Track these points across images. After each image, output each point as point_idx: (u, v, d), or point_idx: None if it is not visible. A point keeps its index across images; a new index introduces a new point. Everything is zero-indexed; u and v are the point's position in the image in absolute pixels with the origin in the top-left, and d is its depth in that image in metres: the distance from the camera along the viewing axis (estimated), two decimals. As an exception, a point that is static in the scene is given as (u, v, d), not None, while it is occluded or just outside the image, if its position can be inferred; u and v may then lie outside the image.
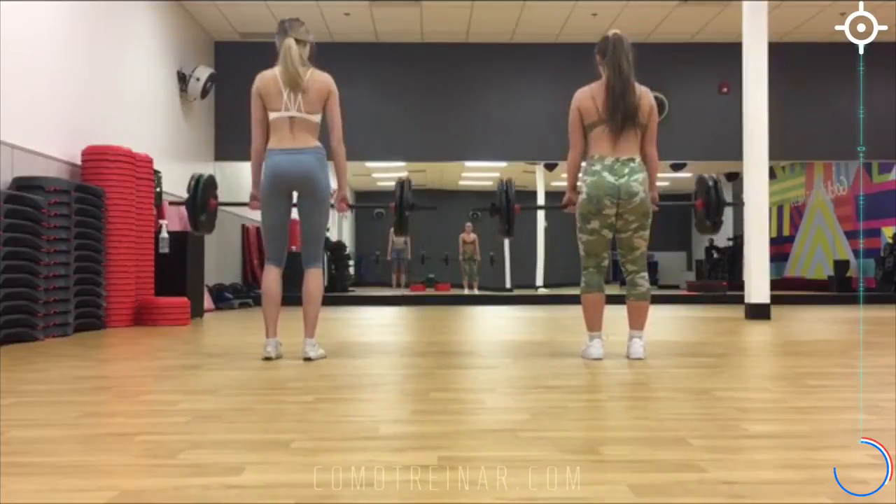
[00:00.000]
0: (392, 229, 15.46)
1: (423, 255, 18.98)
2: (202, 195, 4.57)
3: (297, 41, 4.09)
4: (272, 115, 4.09)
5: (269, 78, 4.10)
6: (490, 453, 2.03)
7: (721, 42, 11.02)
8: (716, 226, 4.39)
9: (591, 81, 4.17)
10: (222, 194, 11.45)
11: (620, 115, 4.01)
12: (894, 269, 13.01)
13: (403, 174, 18.38)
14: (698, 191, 4.55)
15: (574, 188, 4.27)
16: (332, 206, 4.38)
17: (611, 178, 4.02)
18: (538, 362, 4.08)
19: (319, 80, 4.12)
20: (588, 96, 4.12)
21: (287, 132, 4.06)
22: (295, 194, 4.17)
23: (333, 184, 4.35)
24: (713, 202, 4.34)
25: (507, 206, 4.29)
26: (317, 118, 4.10)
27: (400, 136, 11.57)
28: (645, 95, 4.11)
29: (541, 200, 17.51)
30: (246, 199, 4.39)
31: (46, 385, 3.32)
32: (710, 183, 4.36)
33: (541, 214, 15.62)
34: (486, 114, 11.58)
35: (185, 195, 4.93)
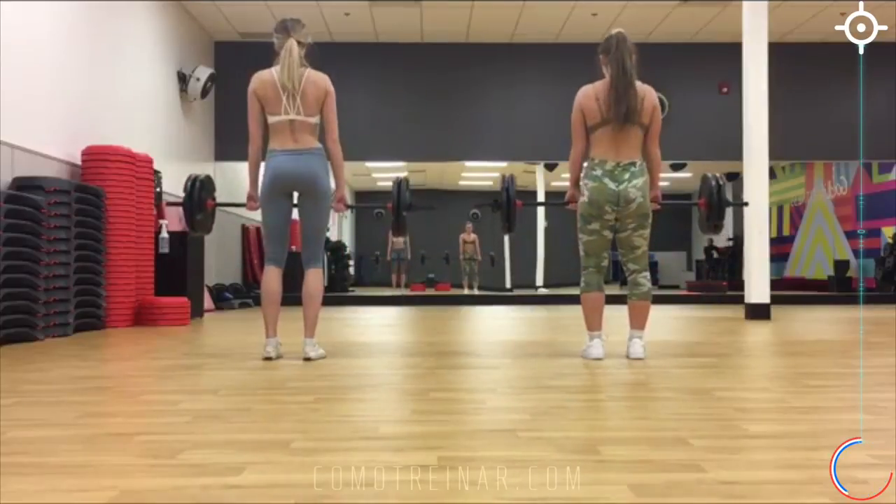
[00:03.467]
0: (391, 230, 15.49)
1: (423, 256, 18.99)
2: (199, 195, 4.56)
3: (299, 43, 4.09)
4: (272, 119, 4.09)
5: (266, 80, 4.09)
6: (490, 453, 2.03)
7: (721, 42, 11.01)
8: (717, 227, 4.39)
9: (590, 80, 4.18)
10: (222, 195, 11.45)
11: (623, 110, 4.01)
12: (894, 269, 13.01)
13: (402, 174, 18.40)
14: (702, 189, 4.54)
15: (576, 184, 4.26)
16: (332, 207, 4.38)
17: (612, 186, 4.03)
18: (538, 362, 4.08)
19: (316, 80, 4.11)
20: (591, 96, 4.11)
21: (288, 135, 4.07)
22: (295, 194, 4.17)
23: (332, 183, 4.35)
24: (715, 202, 4.33)
25: (508, 202, 4.29)
26: (315, 119, 4.11)
27: (400, 136, 11.57)
28: (648, 94, 4.11)
29: (541, 200, 17.51)
30: (244, 199, 4.38)
31: (46, 385, 3.32)
32: (714, 183, 4.35)
33: (541, 214, 15.61)
34: (486, 114, 11.58)
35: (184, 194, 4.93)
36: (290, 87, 4.03)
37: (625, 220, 4.08)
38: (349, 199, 22.34)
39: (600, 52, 4.16)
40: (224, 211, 10.88)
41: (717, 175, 4.46)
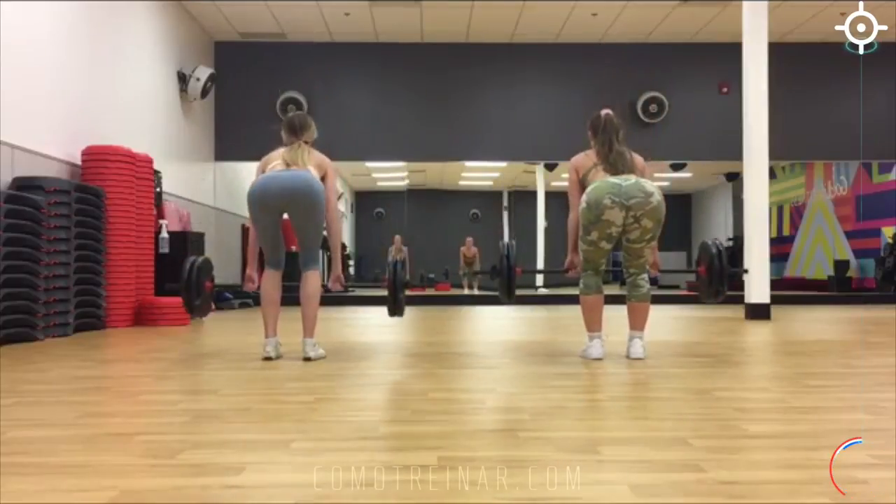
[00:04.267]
0: (391, 246, 15.44)
1: (423, 276, 18.96)
2: (197, 279, 4.46)
3: (305, 142, 4.14)
4: (270, 165, 4.11)
5: (273, 155, 4.15)
6: (490, 453, 2.03)
7: (721, 42, 11.01)
8: (719, 293, 4.38)
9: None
10: (222, 195, 11.40)
11: (612, 162, 4.08)
12: (894, 269, 13.01)
13: (402, 174, 18.37)
14: (701, 257, 4.53)
15: (575, 249, 4.27)
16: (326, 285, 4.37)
17: (614, 179, 4.01)
18: (538, 362, 4.08)
19: (318, 157, 4.17)
20: (583, 155, 4.23)
21: (282, 168, 4.08)
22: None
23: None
24: (716, 269, 4.33)
25: (508, 270, 4.26)
26: (315, 173, 4.09)
27: (400, 136, 11.57)
28: (637, 159, 4.18)
29: (541, 200, 17.51)
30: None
31: (46, 385, 3.32)
32: (714, 250, 4.34)
33: (541, 215, 15.64)
34: (486, 114, 11.58)
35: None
36: (295, 161, 4.06)
37: (645, 226, 3.99)
38: (348, 200, 22.36)
39: (588, 129, 4.25)
40: (224, 211, 10.90)
41: (718, 242, 4.44)
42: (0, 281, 4.99)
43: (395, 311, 4.34)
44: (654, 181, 4.12)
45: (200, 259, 4.59)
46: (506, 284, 4.26)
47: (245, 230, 11.54)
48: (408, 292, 4.59)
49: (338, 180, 3.89)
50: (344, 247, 15.84)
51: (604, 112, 4.24)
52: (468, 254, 16.10)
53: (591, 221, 4.03)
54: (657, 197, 3.98)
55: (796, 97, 11.27)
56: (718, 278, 4.31)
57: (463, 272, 15.66)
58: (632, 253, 4.15)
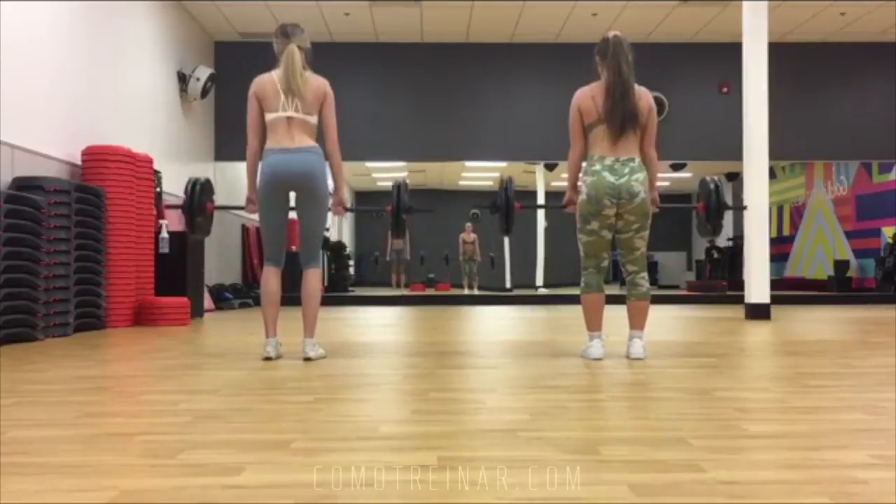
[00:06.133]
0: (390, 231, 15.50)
1: (423, 256, 18.99)
2: (199, 198, 4.57)
3: (299, 48, 4.09)
4: (269, 116, 4.08)
5: (266, 80, 4.11)
6: (490, 453, 2.03)
7: (721, 42, 11.02)
8: (716, 229, 4.40)
9: (590, 80, 4.19)
10: (222, 195, 11.43)
11: (620, 117, 4.02)
12: (894, 269, 13.01)
13: (402, 174, 18.38)
14: (700, 193, 4.55)
15: (575, 187, 4.28)
16: (331, 209, 4.38)
17: (611, 178, 4.03)
18: (538, 362, 4.08)
19: (315, 83, 4.12)
20: (588, 96, 4.12)
21: (285, 132, 4.06)
22: (293, 195, 4.16)
23: (331, 184, 4.34)
24: (714, 205, 4.34)
25: (506, 204, 4.30)
26: (314, 119, 4.11)
27: (400, 136, 11.58)
28: (644, 96, 4.11)
29: (541, 200, 17.52)
30: (244, 199, 4.37)
31: (46, 385, 3.32)
32: (712, 186, 4.35)
33: (541, 214, 15.60)
34: (486, 114, 11.59)
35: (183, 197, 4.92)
36: (291, 86, 4.03)
37: (627, 220, 4.07)
38: (348, 201, 22.35)
39: (596, 54, 4.17)
40: (224, 211, 10.89)
41: (716, 178, 4.47)
42: (0, 281, 4.99)
43: (398, 233, 4.68)
44: (652, 103, 4.11)
45: (202, 179, 4.74)
46: (504, 217, 4.33)
47: (245, 230, 11.54)
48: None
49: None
50: (344, 247, 15.82)
51: (612, 33, 4.13)
52: (468, 239, 16.13)
53: (592, 213, 4.08)
54: (641, 196, 4.05)
55: (796, 97, 11.27)
56: (716, 213, 4.33)
57: (463, 258, 15.70)
58: (625, 245, 4.15)
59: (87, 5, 6.91)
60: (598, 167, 4.07)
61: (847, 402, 2.86)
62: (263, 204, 4.15)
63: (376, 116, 11.33)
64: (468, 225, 16.31)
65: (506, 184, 4.35)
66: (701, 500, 1.59)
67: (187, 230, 4.75)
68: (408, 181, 4.64)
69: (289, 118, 4.05)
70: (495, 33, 11.10)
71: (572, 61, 11.73)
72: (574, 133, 4.18)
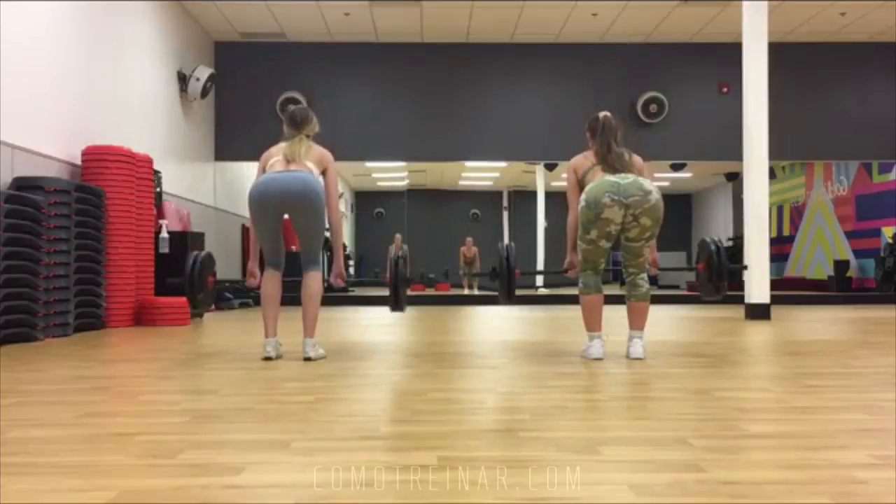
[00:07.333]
0: (392, 245, 15.45)
1: (422, 274, 18.96)
2: (199, 275, 4.48)
3: (307, 136, 4.15)
4: (270, 162, 4.10)
5: (273, 150, 4.17)
6: (490, 453, 2.03)
7: (721, 42, 11.02)
8: (719, 290, 4.40)
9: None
10: (221, 195, 11.39)
11: (614, 159, 4.10)
12: (894, 269, 13.01)
13: (402, 174, 18.32)
14: (700, 254, 4.55)
15: (574, 249, 4.27)
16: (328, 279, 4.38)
17: (612, 178, 4.01)
18: (538, 362, 4.08)
19: (318, 151, 4.17)
20: (581, 156, 4.25)
21: (282, 165, 4.08)
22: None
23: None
24: (715, 266, 4.35)
25: (508, 272, 4.27)
26: (314, 169, 4.10)
27: (400, 136, 11.57)
28: (636, 159, 4.19)
29: (541, 200, 17.52)
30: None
31: (46, 385, 3.32)
32: (713, 247, 4.35)
33: (541, 215, 15.63)
34: (486, 114, 11.59)
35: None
36: (294, 158, 4.07)
37: (644, 224, 3.99)
38: (348, 200, 22.32)
39: (587, 130, 4.27)
40: (224, 211, 10.90)
41: (716, 238, 4.47)
42: (0, 281, 4.99)
43: (397, 306, 4.34)
44: (653, 181, 4.13)
45: (203, 254, 4.63)
46: (506, 286, 4.27)
47: (245, 230, 11.54)
48: (408, 291, 4.59)
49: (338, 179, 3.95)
50: (344, 246, 15.83)
51: (602, 114, 4.25)
52: (468, 254, 16.10)
53: (591, 220, 4.03)
54: (655, 195, 3.99)
55: (796, 97, 11.27)
56: (718, 274, 4.32)
57: (463, 272, 15.67)
58: (631, 252, 4.15)
59: (87, 6, 6.91)
60: (596, 180, 4.07)
61: (847, 402, 2.86)
62: (255, 220, 4.13)
63: (376, 116, 11.32)
64: (468, 239, 16.25)
65: (506, 251, 4.33)
66: (701, 500, 1.59)
67: (189, 304, 4.62)
68: (405, 253, 4.57)
69: (287, 161, 4.07)
70: (495, 33, 11.10)
71: (572, 61, 11.80)
72: (571, 195, 4.22)
